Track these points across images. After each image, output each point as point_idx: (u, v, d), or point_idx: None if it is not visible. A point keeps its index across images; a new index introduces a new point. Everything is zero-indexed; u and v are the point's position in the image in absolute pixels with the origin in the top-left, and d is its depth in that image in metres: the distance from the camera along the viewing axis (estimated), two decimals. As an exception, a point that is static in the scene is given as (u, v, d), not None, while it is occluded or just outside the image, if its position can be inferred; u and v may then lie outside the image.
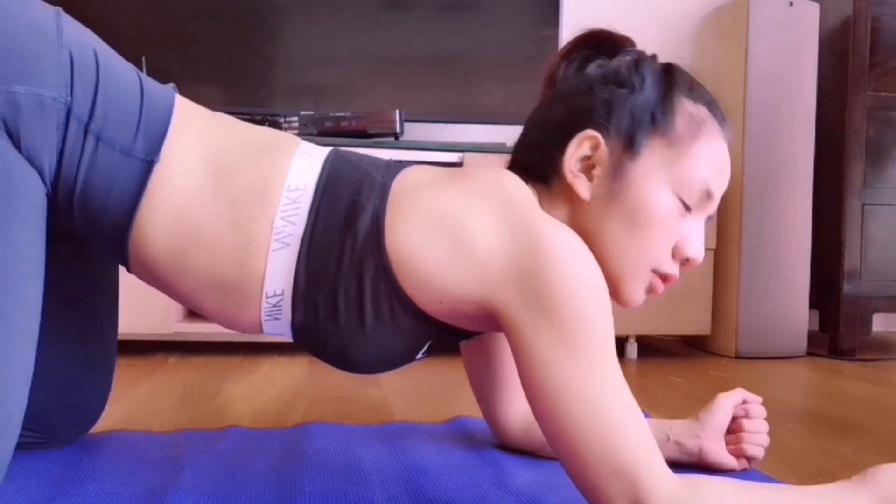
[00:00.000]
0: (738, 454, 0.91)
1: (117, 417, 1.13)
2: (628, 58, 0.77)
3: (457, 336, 0.77)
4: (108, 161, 0.68)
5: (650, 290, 0.74)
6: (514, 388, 0.92)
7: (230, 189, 0.70)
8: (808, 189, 2.02)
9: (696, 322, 1.94)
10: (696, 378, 1.66)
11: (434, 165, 0.77)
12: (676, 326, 1.94)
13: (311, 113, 1.85)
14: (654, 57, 0.78)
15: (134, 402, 1.26)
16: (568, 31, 2.11)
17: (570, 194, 0.73)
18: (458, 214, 0.67)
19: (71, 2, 1.89)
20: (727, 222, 2.01)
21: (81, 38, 0.70)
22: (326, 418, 1.15)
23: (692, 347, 2.16)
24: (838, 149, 2.10)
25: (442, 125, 2.16)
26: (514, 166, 0.78)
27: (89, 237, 0.74)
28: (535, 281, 0.63)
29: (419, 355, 0.77)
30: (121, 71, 0.71)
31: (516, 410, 0.94)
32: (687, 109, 0.73)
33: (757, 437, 0.91)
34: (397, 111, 1.83)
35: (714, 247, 1.96)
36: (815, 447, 1.04)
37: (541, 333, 0.63)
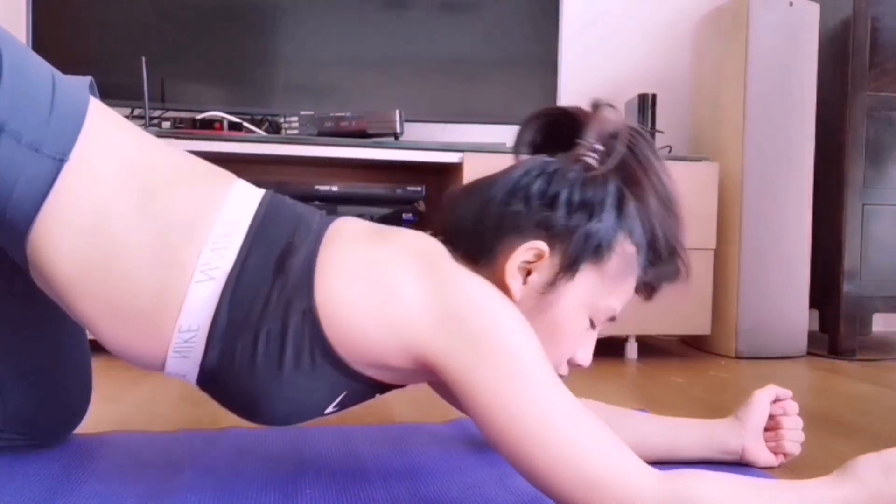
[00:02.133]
0: (778, 451, 0.94)
1: (117, 417, 1.13)
2: (591, 158, 0.75)
3: (374, 389, 0.75)
4: (12, 155, 0.63)
5: None
6: None
7: (158, 212, 0.67)
8: (808, 189, 2.02)
9: (696, 322, 1.94)
10: (696, 378, 1.66)
11: (363, 219, 0.76)
12: (676, 326, 1.94)
13: (311, 113, 1.85)
14: (619, 183, 0.74)
15: (133, 402, 1.26)
16: (568, 31, 2.12)
17: (498, 284, 0.72)
18: (384, 270, 0.67)
19: (71, 2, 1.90)
20: (727, 222, 2.01)
21: None
22: (326, 418, 1.15)
23: (692, 347, 2.16)
24: (838, 149, 2.10)
25: (442, 125, 2.16)
26: (443, 231, 0.76)
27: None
28: (460, 325, 0.64)
29: (330, 408, 0.75)
30: (30, 64, 0.67)
31: None
32: (624, 249, 0.74)
33: (795, 433, 0.94)
34: (397, 111, 1.83)
35: (714, 247, 1.96)
36: (815, 447, 1.03)
37: (478, 375, 0.63)
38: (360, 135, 1.82)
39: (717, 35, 2.11)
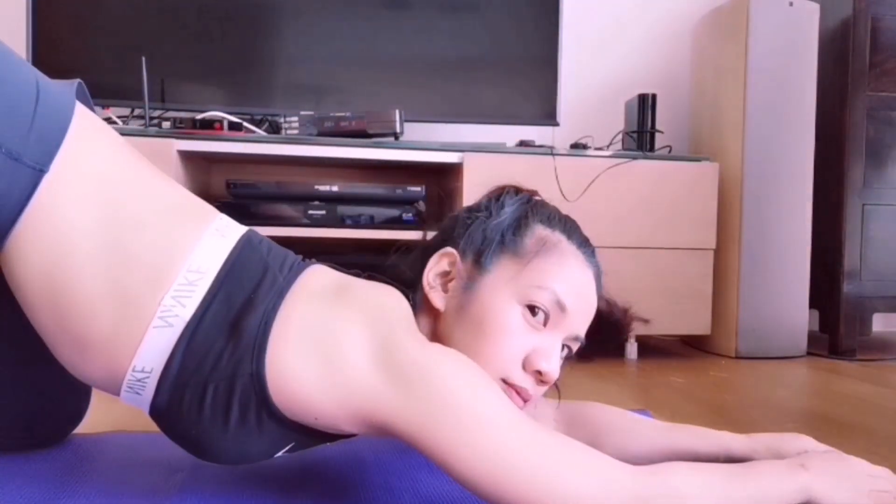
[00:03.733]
0: None
1: (117, 417, 1.12)
2: (497, 191, 0.81)
3: (326, 437, 0.75)
4: None
5: None
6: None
7: (125, 245, 0.66)
8: (808, 189, 2.02)
9: (696, 322, 1.94)
10: (696, 378, 1.66)
11: (332, 269, 0.76)
12: (676, 326, 1.94)
13: (311, 113, 1.85)
14: (522, 192, 0.82)
15: (134, 402, 1.26)
16: (568, 31, 2.12)
17: (431, 307, 0.76)
18: (335, 335, 0.66)
19: (71, 2, 1.90)
20: (727, 222, 2.01)
21: None
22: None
23: (692, 347, 2.16)
24: (838, 149, 2.10)
25: (442, 125, 2.16)
26: (400, 282, 0.78)
27: None
28: (410, 385, 0.63)
29: (280, 454, 0.75)
30: (15, 66, 0.66)
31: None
32: (538, 233, 0.76)
33: None
34: (397, 111, 1.83)
35: (714, 247, 1.96)
36: (815, 447, 1.03)
37: (436, 431, 0.62)
38: (360, 135, 1.82)
39: (717, 35, 2.11)
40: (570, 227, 0.78)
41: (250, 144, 1.74)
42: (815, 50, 2.02)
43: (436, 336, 0.74)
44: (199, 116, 1.80)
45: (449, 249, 0.77)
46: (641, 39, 2.41)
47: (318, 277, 0.73)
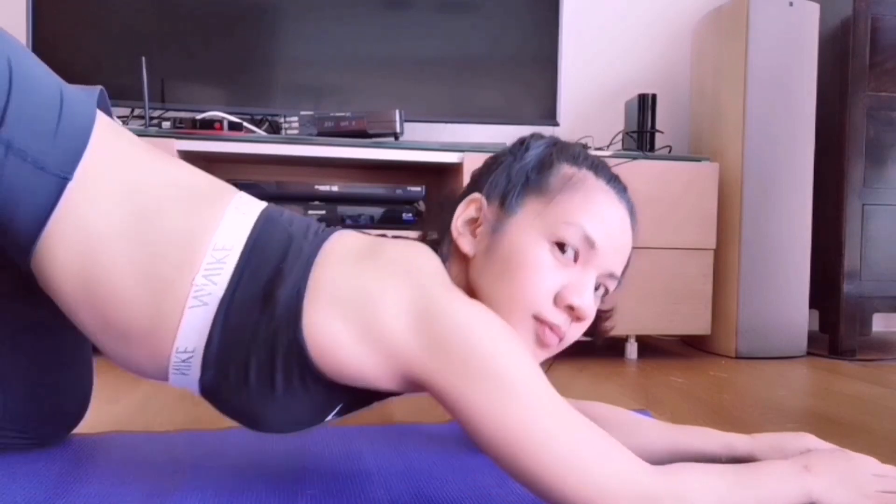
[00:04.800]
0: None
1: (117, 417, 1.13)
2: (522, 138, 0.81)
3: (371, 398, 0.77)
4: (17, 172, 0.64)
5: (541, 341, 0.73)
6: None
7: (151, 234, 0.68)
8: (808, 189, 2.02)
9: (696, 322, 1.94)
10: (696, 378, 1.66)
11: (358, 233, 0.77)
12: (676, 326, 1.94)
13: (311, 113, 1.84)
14: (549, 137, 0.81)
15: (134, 402, 1.26)
16: (568, 30, 2.12)
17: (461, 255, 0.76)
18: (370, 296, 0.67)
19: (72, 2, 1.90)
20: (727, 222, 2.01)
21: None
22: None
23: (692, 347, 2.16)
24: (838, 149, 2.10)
25: (442, 125, 2.16)
26: (428, 240, 0.80)
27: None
28: (447, 346, 0.64)
29: (330, 417, 0.76)
30: (40, 77, 0.68)
31: None
32: (564, 170, 0.76)
33: None
34: (397, 111, 1.83)
35: (714, 247, 1.96)
36: (815, 447, 1.03)
37: (469, 393, 0.63)
38: (360, 135, 1.82)
39: (717, 35, 2.11)
40: (597, 164, 0.78)
41: (250, 144, 1.74)
42: (815, 50, 2.02)
43: (467, 282, 0.74)
44: (199, 116, 1.80)
45: (475, 195, 0.77)
46: (641, 39, 2.41)
47: (345, 241, 0.74)
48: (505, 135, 2.08)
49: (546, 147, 0.78)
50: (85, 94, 0.72)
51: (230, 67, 1.97)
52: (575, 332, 0.74)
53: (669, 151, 2.13)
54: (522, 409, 0.63)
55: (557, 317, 0.72)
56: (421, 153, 1.81)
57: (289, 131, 1.85)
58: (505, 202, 0.75)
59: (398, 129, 1.83)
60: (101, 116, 0.72)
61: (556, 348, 0.74)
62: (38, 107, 0.66)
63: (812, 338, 2.10)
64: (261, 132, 1.88)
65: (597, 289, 0.75)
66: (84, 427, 0.98)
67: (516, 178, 0.76)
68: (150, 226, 0.68)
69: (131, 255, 0.67)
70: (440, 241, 0.78)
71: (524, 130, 2.25)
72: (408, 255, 0.72)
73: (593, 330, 0.83)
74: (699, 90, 2.21)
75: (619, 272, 0.76)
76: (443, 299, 0.67)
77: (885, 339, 2.46)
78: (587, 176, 0.75)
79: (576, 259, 0.72)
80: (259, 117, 1.99)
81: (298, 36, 1.99)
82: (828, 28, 2.12)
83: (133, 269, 0.67)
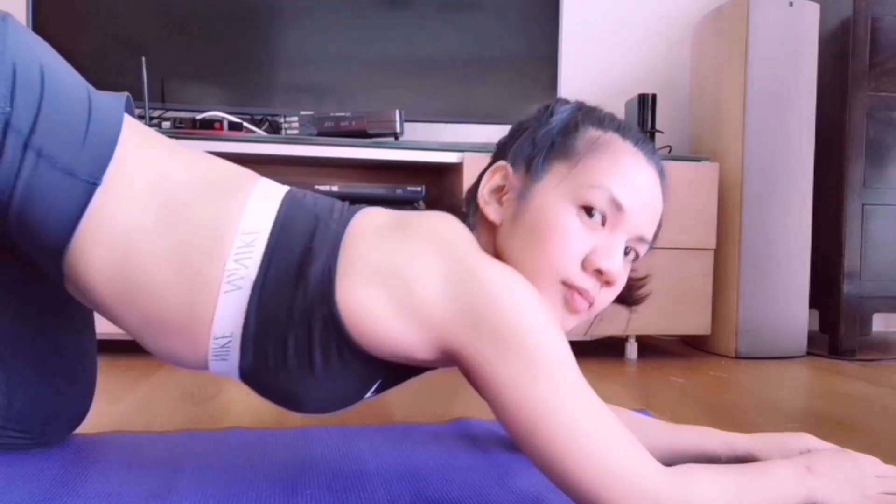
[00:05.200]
0: None
1: (117, 417, 1.13)
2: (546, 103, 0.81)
3: (411, 372, 0.77)
4: (48, 179, 0.65)
5: (570, 307, 0.72)
6: None
7: (180, 227, 0.68)
8: (808, 189, 2.02)
9: (696, 322, 1.94)
10: (696, 378, 1.66)
11: (385, 208, 0.77)
12: (676, 326, 1.94)
13: (311, 113, 1.85)
14: (574, 102, 0.81)
15: (134, 402, 1.26)
16: (568, 31, 2.12)
17: (488, 223, 0.76)
18: (403, 266, 0.67)
19: (71, 2, 1.90)
20: (727, 222, 2.01)
21: (28, 48, 0.68)
22: (326, 418, 1.15)
23: (692, 347, 2.16)
24: (838, 149, 2.10)
25: (442, 125, 2.16)
26: (456, 211, 0.80)
27: (26, 250, 0.73)
28: (483, 317, 0.64)
29: (368, 394, 0.77)
30: (69, 85, 0.69)
31: None
32: (590, 134, 0.75)
33: None
34: (397, 111, 1.83)
35: (714, 247, 1.96)
36: (815, 447, 1.03)
37: (500, 367, 0.63)
38: (360, 135, 1.82)
39: (717, 35, 2.11)
40: (624, 127, 0.77)
41: (250, 144, 1.74)
42: (815, 50, 2.02)
43: (495, 250, 0.74)
44: (199, 116, 1.80)
45: (500, 163, 0.77)
46: (641, 39, 2.41)
47: (372, 217, 0.74)
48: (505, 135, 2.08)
49: (571, 111, 0.78)
50: (113, 101, 0.73)
51: (230, 67, 1.97)
52: (605, 298, 0.74)
53: (669, 151, 2.13)
54: (548, 389, 0.63)
55: (586, 281, 0.71)
56: (421, 153, 1.81)
57: (289, 131, 1.85)
58: (530, 168, 0.74)
59: (398, 129, 1.83)
60: (127, 120, 0.73)
61: (587, 314, 0.74)
62: (68, 115, 0.67)
63: (812, 338, 2.10)
64: (261, 132, 1.88)
65: (627, 253, 0.74)
66: (84, 427, 0.98)
67: (541, 142, 0.75)
68: (179, 218, 0.69)
69: (164, 249, 0.68)
70: (467, 212, 0.78)
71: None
72: (437, 225, 0.73)
73: (627, 297, 0.82)
74: (699, 90, 2.21)
75: (649, 235, 0.75)
76: (476, 267, 0.67)
77: (885, 339, 2.46)
78: (613, 138, 0.74)
79: (603, 223, 0.71)
80: (259, 117, 1.99)
81: (298, 36, 1.99)
82: (828, 28, 2.12)
83: (167, 262, 0.68)
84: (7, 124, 0.64)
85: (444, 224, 0.73)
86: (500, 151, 0.80)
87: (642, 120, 2.08)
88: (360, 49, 2.00)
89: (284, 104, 1.98)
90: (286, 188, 0.76)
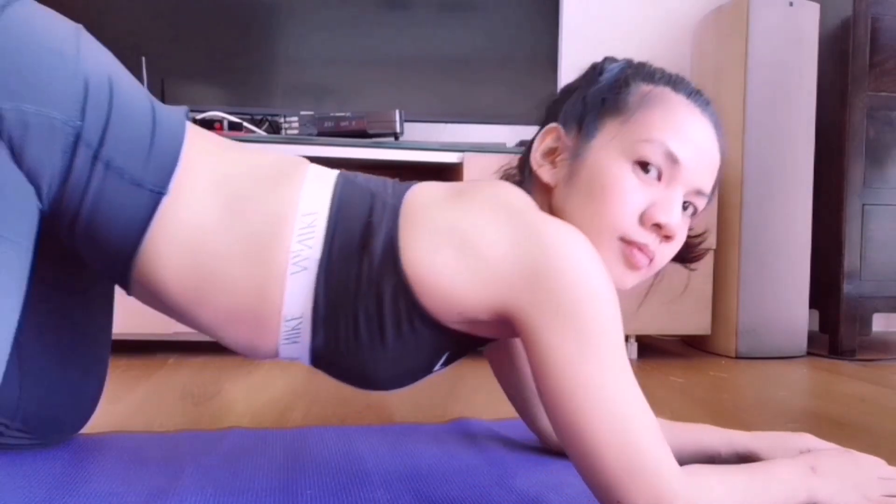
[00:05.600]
0: None
1: (117, 417, 1.13)
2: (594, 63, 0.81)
3: (474, 343, 0.78)
4: (116, 190, 0.67)
5: (630, 263, 0.72)
6: None
7: (243, 219, 0.70)
8: (808, 189, 2.02)
9: (696, 322, 1.94)
10: (696, 378, 1.66)
11: (436, 181, 0.78)
12: (676, 326, 1.94)
13: (311, 113, 1.84)
14: (623, 59, 0.81)
15: (134, 402, 1.26)
16: (568, 31, 2.12)
17: (543, 186, 0.77)
18: (466, 228, 0.68)
19: (71, 2, 1.90)
20: (727, 222, 2.01)
21: (99, 62, 0.70)
22: (326, 418, 1.15)
23: (692, 347, 2.16)
24: (838, 149, 2.10)
25: (442, 125, 2.16)
26: (509, 178, 0.82)
27: (89, 258, 0.74)
28: (545, 280, 0.64)
29: (437, 366, 0.78)
30: (135, 98, 0.71)
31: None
32: (641, 89, 0.74)
33: None
34: (397, 111, 1.83)
35: (714, 247, 1.96)
36: (815, 447, 1.03)
37: (552, 333, 0.63)
38: (360, 135, 1.82)
39: (717, 35, 2.11)
40: (675, 80, 0.76)
41: (250, 144, 1.74)
42: (814, 50, 2.02)
43: (551, 213, 0.74)
44: (199, 116, 1.80)
45: (551, 125, 0.77)
46: (641, 39, 2.41)
47: (427, 189, 0.75)
48: (505, 135, 2.08)
49: (621, 67, 0.77)
50: (174, 112, 0.75)
51: (230, 67, 1.97)
52: (665, 253, 0.73)
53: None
54: (595, 364, 0.62)
55: (645, 236, 0.71)
56: (421, 153, 1.81)
57: (289, 131, 1.85)
58: (582, 127, 0.74)
59: (398, 129, 1.83)
60: (188, 126, 0.75)
61: (647, 271, 0.73)
62: (134, 128, 0.69)
63: (812, 338, 2.09)
64: (261, 132, 1.88)
65: (685, 208, 0.74)
66: (84, 427, 0.98)
67: (592, 101, 0.75)
68: (242, 208, 0.70)
69: (230, 242, 0.69)
70: (521, 178, 0.78)
71: (524, 130, 2.26)
72: (496, 190, 0.73)
73: (685, 255, 0.82)
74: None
75: (707, 189, 0.74)
76: (539, 228, 0.67)
77: (885, 339, 2.46)
78: (665, 91, 0.74)
79: (659, 177, 0.71)
80: (259, 117, 1.99)
81: (298, 36, 1.99)
82: (828, 28, 2.12)
83: (234, 255, 0.69)
84: (78, 137, 0.65)
85: (502, 189, 0.74)
86: (551, 115, 0.80)
87: (642, 120, 2.08)
88: (360, 49, 2.00)
89: (284, 104, 1.98)
90: (336, 171, 0.77)
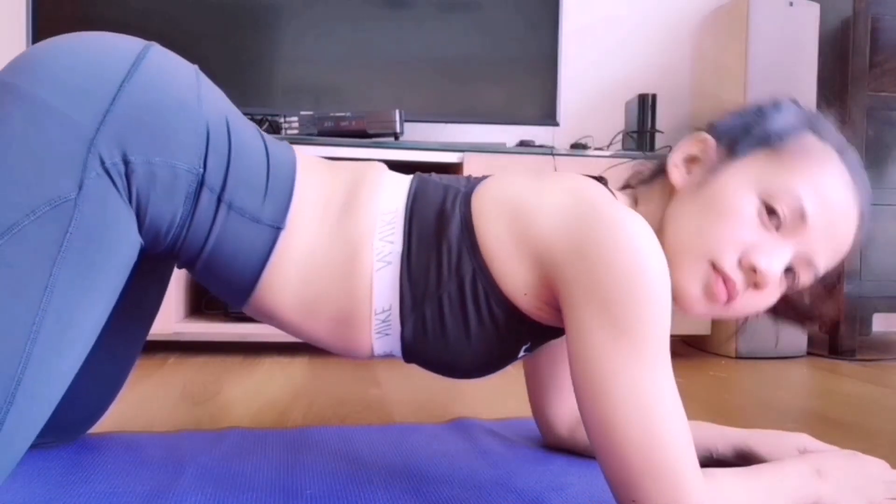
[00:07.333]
0: None
1: (117, 417, 1.13)
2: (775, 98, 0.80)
3: (550, 334, 0.77)
4: (237, 228, 0.70)
5: (708, 291, 0.69)
6: (567, 386, 0.92)
7: (339, 234, 0.73)
8: (808, 189, 2.02)
9: (696, 322, 1.94)
10: (696, 378, 1.66)
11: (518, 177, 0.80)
12: (676, 326, 1.91)
13: (311, 113, 1.85)
14: (805, 107, 0.79)
15: (134, 402, 1.26)
16: (568, 31, 2.12)
17: (667, 187, 0.77)
18: (528, 198, 0.71)
19: (71, 2, 1.90)
20: (727, 222, 2.00)
21: (217, 106, 0.74)
22: (326, 418, 1.15)
23: (692, 347, 2.16)
24: (838, 149, 2.10)
25: (442, 125, 2.16)
26: (636, 175, 0.85)
27: (208, 286, 0.78)
28: (594, 261, 0.63)
29: (521, 353, 0.79)
30: (248, 136, 0.75)
31: (566, 409, 0.95)
32: (809, 141, 0.72)
33: None
34: (397, 111, 1.83)
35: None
36: (815, 447, 1.03)
37: (595, 316, 0.62)
38: (360, 135, 1.82)
39: (717, 35, 2.11)
40: (845, 148, 0.74)
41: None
42: (814, 50, 2.01)
43: (661, 214, 0.74)
44: (199, 116, 1.80)
45: (703, 134, 0.76)
46: (641, 39, 2.41)
47: (501, 180, 0.77)
48: (505, 135, 2.08)
49: (797, 114, 0.76)
50: (283, 147, 0.79)
51: (230, 67, 1.97)
52: (749, 301, 0.70)
53: (669, 151, 2.12)
54: (633, 354, 0.61)
55: (735, 272, 0.68)
56: (421, 153, 1.81)
57: (289, 131, 1.85)
58: (733, 148, 0.73)
59: (398, 129, 1.83)
60: (298, 159, 0.78)
61: (722, 308, 0.70)
62: (251, 166, 0.72)
63: (812, 338, 2.09)
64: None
65: (788, 270, 0.71)
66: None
67: (755, 129, 0.74)
68: (339, 225, 0.74)
69: (332, 257, 0.73)
70: (649, 175, 0.81)
71: (524, 130, 2.26)
72: (575, 176, 0.75)
73: (785, 312, 0.78)
74: (699, 90, 2.21)
75: (819, 264, 0.71)
76: (604, 208, 0.66)
77: (885, 339, 2.46)
78: (830, 153, 0.72)
79: (778, 228, 0.69)
80: (259, 117, 1.99)
81: (298, 36, 1.99)
82: (828, 28, 2.12)
83: (335, 267, 0.73)
84: (201, 184, 0.69)
85: (581, 178, 0.75)
86: (708, 128, 0.78)
87: (642, 120, 2.08)
88: (359, 49, 2.00)
89: (284, 104, 1.97)
90: (412, 175, 0.80)
